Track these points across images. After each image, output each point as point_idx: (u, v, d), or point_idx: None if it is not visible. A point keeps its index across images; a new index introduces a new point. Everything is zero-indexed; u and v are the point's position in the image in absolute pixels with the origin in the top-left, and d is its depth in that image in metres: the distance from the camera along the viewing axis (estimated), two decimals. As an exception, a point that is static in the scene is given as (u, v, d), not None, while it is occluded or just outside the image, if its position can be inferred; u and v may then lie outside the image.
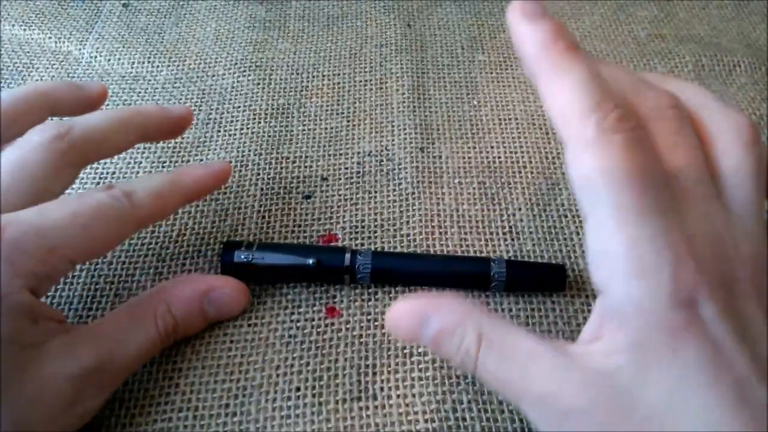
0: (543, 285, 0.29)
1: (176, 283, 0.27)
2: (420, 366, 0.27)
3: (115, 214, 0.23)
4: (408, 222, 0.32)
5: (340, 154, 0.35)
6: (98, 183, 0.34)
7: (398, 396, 0.26)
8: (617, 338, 0.18)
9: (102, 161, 0.34)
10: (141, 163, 0.34)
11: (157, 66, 0.40)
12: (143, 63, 0.40)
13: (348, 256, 0.28)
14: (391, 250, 0.31)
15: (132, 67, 0.40)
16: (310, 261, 0.27)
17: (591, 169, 0.18)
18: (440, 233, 0.31)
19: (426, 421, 0.25)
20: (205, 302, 0.26)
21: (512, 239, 0.31)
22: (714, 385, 0.17)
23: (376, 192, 0.33)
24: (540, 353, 0.20)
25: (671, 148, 0.19)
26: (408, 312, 0.22)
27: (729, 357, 0.18)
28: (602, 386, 0.18)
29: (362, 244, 0.31)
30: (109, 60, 0.41)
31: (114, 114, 0.27)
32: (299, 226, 0.32)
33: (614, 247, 0.18)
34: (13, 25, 0.43)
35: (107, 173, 0.34)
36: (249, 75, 0.40)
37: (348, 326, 0.28)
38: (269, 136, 0.36)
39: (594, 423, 0.18)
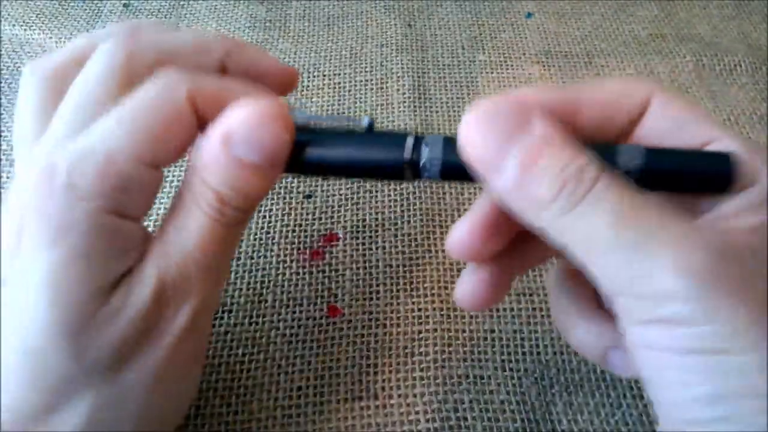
0: (692, 179, 0.20)
1: (199, 147, 0.21)
2: (422, 366, 0.27)
3: (166, 96, 0.20)
4: (409, 221, 0.32)
5: (341, 154, 0.35)
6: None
7: (400, 396, 0.26)
8: None
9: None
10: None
11: (158, 66, 0.40)
12: (144, 63, 0.40)
13: (410, 141, 0.20)
14: (392, 244, 0.30)
15: (132, 67, 0.40)
16: (366, 122, 0.21)
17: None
18: (441, 233, 0.31)
19: (427, 421, 0.25)
20: (234, 150, 0.20)
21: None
22: None
23: (376, 191, 0.33)
24: (674, 208, 0.18)
25: None
26: (496, 106, 0.18)
27: None
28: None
29: (363, 244, 0.31)
30: (110, 60, 0.40)
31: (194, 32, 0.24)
32: (300, 225, 0.32)
33: None
34: (14, 26, 0.43)
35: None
36: (250, 75, 0.40)
37: (350, 325, 0.28)
38: (270, 136, 0.36)
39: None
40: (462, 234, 0.21)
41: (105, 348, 0.18)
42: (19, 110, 0.22)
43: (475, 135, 0.18)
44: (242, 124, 0.20)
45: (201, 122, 0.21)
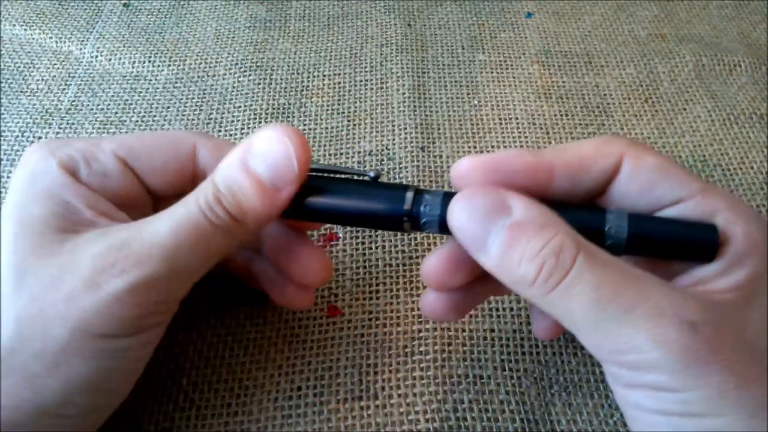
0: (678, 249, 0.20)
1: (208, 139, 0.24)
2: (422, 365, 0.27)
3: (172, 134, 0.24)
4: (409, 221, 0.32)
5: (341, 154, 0.35)
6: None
7: (399, 395, 0.26)
8: (735, 277, 0.19)
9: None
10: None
11: (158, 66, 0.40)
12: (144, 63, 0.40)
13: (410, 195, 0.21)
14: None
15: (133, 67, 0.40)
16: (372, 174, 0.22)
17: None
18: (441, 233, 0.31)
19: (427, 420, 0.25)
20: (250, 159, 0.20)
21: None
22: None
23: (377, 191, 0.33)
24: (651, 277, 0.19)
25: None
26: (480, 191, 0.19)
27: None
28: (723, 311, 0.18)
29: (363, 244, 0.31)
30: (110, 60, 0.41)
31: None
32: (300, 225, 0.32)
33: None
34: (14, 25, 0.43)
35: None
36: (249, 75, 0.40)
37: (350, 325, 0.28)
38: (270, 136, 0.36)
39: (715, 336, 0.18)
40: (430, 267, 0.22)
41: (39, 287, 0.20)
42: None
43: (460, 218, 0.19)
44: (262, 139, 0.20)
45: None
